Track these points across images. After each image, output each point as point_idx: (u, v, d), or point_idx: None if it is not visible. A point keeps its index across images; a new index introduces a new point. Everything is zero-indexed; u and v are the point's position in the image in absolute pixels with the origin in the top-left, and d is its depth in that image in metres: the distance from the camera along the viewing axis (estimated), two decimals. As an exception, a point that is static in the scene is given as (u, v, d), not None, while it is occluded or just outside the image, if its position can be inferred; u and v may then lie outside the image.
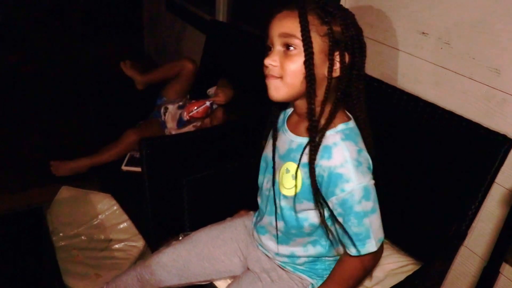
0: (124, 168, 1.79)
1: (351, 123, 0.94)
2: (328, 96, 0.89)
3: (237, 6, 2.39)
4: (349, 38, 0.88)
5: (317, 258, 1.04)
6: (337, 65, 0.88)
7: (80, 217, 1.90)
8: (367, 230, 0.89)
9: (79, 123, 2.68)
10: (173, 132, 1.92)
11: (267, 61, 0.89)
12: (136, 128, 1.87)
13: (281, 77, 0.89)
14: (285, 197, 0.98)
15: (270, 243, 1.08)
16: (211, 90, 1.89)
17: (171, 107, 1.94)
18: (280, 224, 1.02)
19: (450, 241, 1.07)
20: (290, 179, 0.95)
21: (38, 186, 2.16)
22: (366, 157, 0.91)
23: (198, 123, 1.90)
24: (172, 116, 1.92)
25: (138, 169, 1.59)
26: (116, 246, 1.85)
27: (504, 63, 1.05)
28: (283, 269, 1.08)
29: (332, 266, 1.02)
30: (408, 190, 1.19)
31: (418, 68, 1.28)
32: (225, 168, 1.35)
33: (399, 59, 1.34)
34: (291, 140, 0.99)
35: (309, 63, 0.85)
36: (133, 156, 1.82)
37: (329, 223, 0.95)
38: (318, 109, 0.89)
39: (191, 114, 1.83)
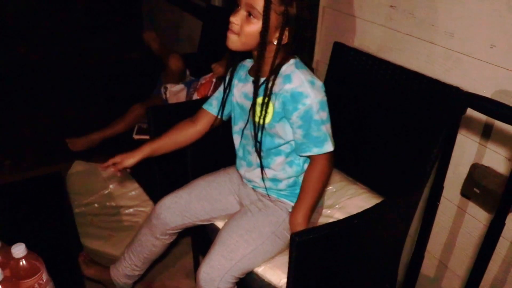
0: (135, 136, 1.99)
1: (298, 59, 1.17)
2: (276, 55, 1.13)
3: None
4: (300, 19, 1.11)
5: (295, 181, 1.24)
6: (285, 37, 1.11)
7: (93, 187, 2.09)
8: (325, 134, 1.13)
9: (89, 103, 2.89)
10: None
11: (232, 18, 1.11)
12: (141, 103, 2.06)
13: (238, 34, 1.11)
14: (262, 125, 1.18)
15: (256, 171, 1.27)
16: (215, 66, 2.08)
17: (169, 85, 2.12)
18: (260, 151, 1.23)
19: (414, 180, 1.25)
20: (262, 110, 1.16)
21: (54, 164, 2.36)
22: (318, 80, 1.14)
23: None
24: (175, 94, 2.10)
25: (147, 137, 1.77)
26: (126, 211, 2.03)
27: (458, 28, 1.23)
28: (268, 197, 1.28)
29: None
30: (383, 138, 1.38)
31: (390, 37, 1.46)
32: (220, 130, 1.52)
33: (373, 31, 1.52)
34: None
35: (264, 34, 1.08)
36: (141, 127, 2.01)
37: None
38: (269, 60, 1.13)
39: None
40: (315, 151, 1.14)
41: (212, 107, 1.36)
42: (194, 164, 1.52)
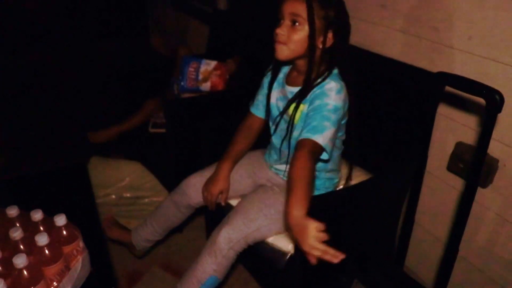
0: (151, 130, 2.15)
1: (335, 71, 1.27)
2: (321, 59, 1.25)
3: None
4: (340, 21, 1.22)
5: (317, 175, 1.35)
6: (329, 40, 1.22)
7: (110, 180, 2.24)
8: (322, 129, 1.15)
9: (106, 101, 3.08)
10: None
11: (278, 30, 1.22)
12: (154, 98, 2.23)
13: (285, 43, 1.22)
14: (295, 127, 1.30)
15: (282, 166, 1.42)
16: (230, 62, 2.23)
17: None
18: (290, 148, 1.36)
19: (401, 159, 1.40)
20: (297, 114, 1.28)
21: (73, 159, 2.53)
22: (345, 94, 1.24)
23: None
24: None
25: (163, 130, 1.94)
26: (142, 201, 2.18)
27: (439, 22, 1.39)
28: None
29: (327, 182, 1.39)
30: (376, 122, 1.53)
31: (382, 33, 1.62)
32: (229, 119, 1.67)
33: (367, 29, 1.68)
34: (290, 91, 1.33)
35: (312, 36, 1.19)
36: (155, 122, 2.17)
37: None
38: (314, 67, 1.24)
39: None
40: (305, 135, 1.16)
41: (260, 112, 1.50)
42: (206, 154, 1.67)
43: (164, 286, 1.76)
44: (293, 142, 1.31)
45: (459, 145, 1.40)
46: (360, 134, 1.57)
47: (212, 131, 1.58)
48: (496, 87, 1.24)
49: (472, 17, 1.30)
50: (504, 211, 1.34)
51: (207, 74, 2.12)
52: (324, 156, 1.19)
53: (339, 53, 1.25)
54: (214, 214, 1.56)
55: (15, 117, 3.18)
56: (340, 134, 1.33)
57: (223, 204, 1.50)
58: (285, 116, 1.35)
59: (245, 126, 1.52)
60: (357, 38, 1.74)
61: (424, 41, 1.46)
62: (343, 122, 1.31)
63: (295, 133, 1.30)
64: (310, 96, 1.25)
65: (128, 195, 2.20)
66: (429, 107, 1.30)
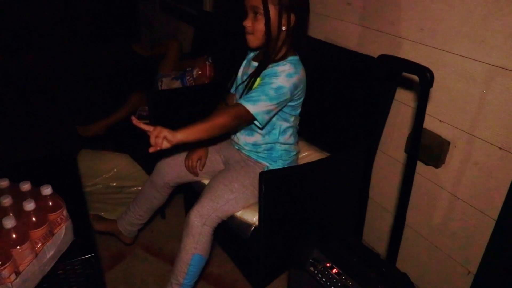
0: (135, 122, 2.26)
1: (296, 58, 1.42)
2: (284, 41, 1.39)
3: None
4: (294, 5, 1.36)
5: (271, 147, 1.51)
6: (291, 21, 1.36)
7: (98, 171, 2.36)
8: (257, 100, 1.30)
9: (94, 97, 3.31)
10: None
11: (245, 23, 1.39)
12: (139, 92, 2.37)
13: (253, 33, 1.39)
14: None
15: (241, 137, 1.55)
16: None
17: (165, 79, 2.41)
18: None
19: (356, 140, 1.54)
20: (254, 86, 1.42)
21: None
22: (298, 79, 1.38)
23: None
24: (168, 86, 2.40)
25: (147, 121, 2.05)
26: (128, 190, 2.29)
27: (396, 17, 1.53)
28: (248, 158, 1.55)
29: (283, 154, 1.51)
30: (336, 106, 1.67)
31: (347, 28, 1.76)
32: (209, 109, 1.78)
33: (333, 24, 1.82)
34: (253, 66, 1.49)
35: (267, 25, 1.35)
36: (140, 114, 2.29)
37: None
38: (273, 47, 1.39)
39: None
40: (240, 101, 1.32)
41: (233, 89, 1.63)
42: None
43: (145, 266, 1.87)
44: None
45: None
46: (320, 117, 1.71)
47: (192, 121, 1.69)
48: (444, 75, 1.39)
49: (424, 10, 1.44)
50: (456, 189, 1.47)
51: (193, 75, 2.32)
52: (258, 124, 1.34)
53: (299, 34, 1.40)
54: (192, 196, 1.68)
55: (13, 112, 3.40)
56: (293, 112, 1.48)
57: (201, 169, 1.63)
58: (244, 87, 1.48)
59: (222, 104, 1.65)
60: (324, 32, 1.88)
61: (384, 35, 1.59)
62: (296, 102, 1.45)
63: None
64: (265, 72, 1.39)
65: (115, 184, 2.32)
66: (380, 89, 1.43)
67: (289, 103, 1.43)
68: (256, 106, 1.31)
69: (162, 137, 1.18)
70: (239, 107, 1.31)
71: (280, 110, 1.42)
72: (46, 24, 4.38)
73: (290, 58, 1.41)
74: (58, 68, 4.07)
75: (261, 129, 1.45)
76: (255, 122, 1.35)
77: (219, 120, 1.26)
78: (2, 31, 4.19)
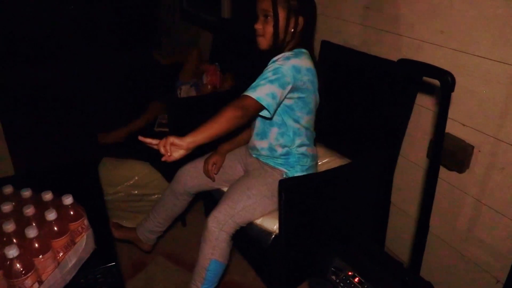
0: (156, 129, 2.30)
1: (303, 50, 1.42)
2: (290, 42, 1.41)
3: (238, 4, 2.89)
4: (304, 7, 1.38)
5: (288, 151, 1.49)
6: (299, 24, 1.39)
7: (119, 179, 2.38)
8: (257, 86, 1.29)
9: (115, 105, 3.37)
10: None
11: (256, 26, 1.42)
12: (159, 100, 2.40)
13: (263, 35, 1.41)
14: None
15: (256, 142, 1.54)
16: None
17: (184, 87, 2.44)
18: (260, 124, 1.51)
19: (378, 146, 1.51)
20: None
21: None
22: (297, 63, 1.35)
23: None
24: (186, 93, 2.42)
25: (167, 129, 2.08)
26: (149, 198, 2.31)
27: (416, 19, 1.50)
28: (266, 165, 1.54)
29: (300, 158, 1.49)
30: (355, 111, 1.65)
31: (365, 32, 1.73)
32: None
33: (352, 29, 1.80)
34: None
35: (276, 26, 1.37)
36: (160, 122, 2.32)
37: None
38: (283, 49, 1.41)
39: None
40: (243, 93, 1.31)
41: None
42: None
43: (166, 274, 1.88)
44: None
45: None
46: (340, 122, 1.69)
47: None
48: (467, 77, 1.36)
49: (444, 12, 1.40)
50: (481, 195, 1.42)
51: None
52: (265, 113, 1.31)
53: (306, 36, 1.43)
54: (212, 204, 1.67)
55: (38, 120, 3.50)
56: (304, 110, 1.44)
57: (215, 173, 1.64)
58: None
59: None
60: (342, 37, 1.86)
61: (402, 38, 1.57)
62: (305, 94, 1.41)
63: None
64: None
65: (136, 192, 2.34)
66: (400, 94, 1.41)
67: (298, 95, 1.40)
68: (257, 91, 1.28)
69: (169, 144, 1.18)
70: (242, 97, 1.29)
71: (285, 102, 1.40)
72: (68, 32, 4.49)
73: (295, 50, 1.42)
74: (79, 76, 4.17)
75: (270, 118, 1.41)
76: (264, 111, 1.32)
77: (226, 114, 1.23)
78: (26, 40, 4.32)
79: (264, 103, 1.28)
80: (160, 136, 1.85)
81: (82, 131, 3.19)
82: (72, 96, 3.88)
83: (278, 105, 1.35)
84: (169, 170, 2.21)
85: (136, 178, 2.38)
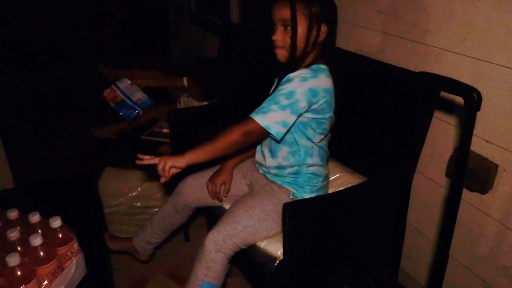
0: (143, 137, 2.26)
1: (322, 66, 1.30)
2: (310, 51, 1.28)
3: (247, 9, 2.80)
4: (327, 14, 1.26)
5: (297, 170, 1.38)
6: (322, 32, 1.26)
7: (122, 191, 2.29)
8: (267, 111, 1.20)
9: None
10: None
11: (274, 37, 1.28)
12: (157, 106, 2.36)
13: (283, 47, 1.28)
14: None
15: (267, 159, 1.43)
16: None
17: (182, 98, 2.37)
18: (270, 141, 1.40)
19: (393, 161, 1.39)
20: None
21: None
22: (315, 84, 1.24)
23: None
24: (186, 104, 2.34)
25: (156, 139, 2.01)
26: (151, 211, 2.22)
27: (434, 26, 1.38)
28: (273, 183, 1.43)
29: (311, 178, 1.38)
30: (369, 124, 1.53)
31: (379, 39, 1.62)
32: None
33: (365, 34, 1.68)
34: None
35: (294, 36, 1.24)
36: (153, 130, 2.27)
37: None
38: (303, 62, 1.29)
39: None
40: (251, 114, 1.22)
41: None
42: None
43: (167, 294, 1.79)
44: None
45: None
46: (353, 136, 1.58)
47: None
48: (491, 89, 1.23)
49: (466, 19, 1.29)
50: (506, 218, 1.30)
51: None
52: (276, 136, 1.22)
53: (329, 45, 1.31)
54: (215, 219, 1.58)
55: (39, 129, 3.39)
56: (319, 130, 1.33)
57: (225, 195, 1.54)
58: None
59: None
60: (354, 43, 1.75)
61: (421, 45, 1.45)
62: (320, 116, 1.30)
63: None
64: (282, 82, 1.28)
65: (139, 204, 2.25)
66: (418, 109, 1.29)
67: (313, 116, 1.29)
68: (267, 117, 1.20)
69: (168, 168, 1.16)
70: (249, 121, 1.21)
71: (298, 120, 1.28)
72: (75, 37, 4.42)
73: (314, 66, 1.30)
74: (85, 83, 4.09)
75: (278, 142, 1.33)
76: (271, 136, 1.24)
77: (228, 138, 1.19)
78: (33, 45, 4.26)
79: (273, 132, 1.20)
80: (146, 145, 1.78)
81: (86, 139, 3.08)
82: (77, 103, 3.77)
83: (289, 129, 1.26)
84: (169, 181, 2.13)
85: (139, 189, 2.29)
